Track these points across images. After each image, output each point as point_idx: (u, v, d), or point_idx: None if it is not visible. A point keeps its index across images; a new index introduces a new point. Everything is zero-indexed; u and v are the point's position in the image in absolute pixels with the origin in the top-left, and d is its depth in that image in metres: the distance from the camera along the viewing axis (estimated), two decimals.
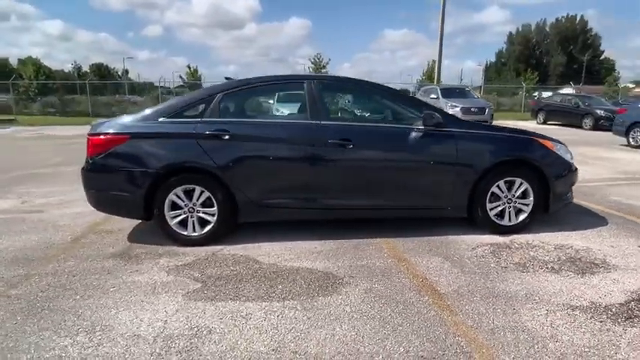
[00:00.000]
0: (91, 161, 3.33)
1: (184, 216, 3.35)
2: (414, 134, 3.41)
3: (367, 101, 3.94)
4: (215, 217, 3.35)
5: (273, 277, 2.77)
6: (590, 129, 14.89)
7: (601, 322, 2.15)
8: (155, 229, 3.46)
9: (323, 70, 29.40)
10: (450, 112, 11.72)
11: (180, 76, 32.94)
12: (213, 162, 3.25)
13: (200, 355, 1.90)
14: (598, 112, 15.19)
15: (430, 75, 34.08)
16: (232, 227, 3.48)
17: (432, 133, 3.40)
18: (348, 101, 3.93)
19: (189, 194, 3.34)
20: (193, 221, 3.37)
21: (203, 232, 3.38)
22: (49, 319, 2.24)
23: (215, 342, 2.01)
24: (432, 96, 15.66)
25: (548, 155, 3.56)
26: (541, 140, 3.63)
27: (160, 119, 3.36)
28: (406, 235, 3.52)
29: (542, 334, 2.05)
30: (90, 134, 3.38)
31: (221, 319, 2.23)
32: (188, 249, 3.30)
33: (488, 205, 3.54)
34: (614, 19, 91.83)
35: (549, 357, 1.85)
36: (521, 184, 3.52)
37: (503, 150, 3.49)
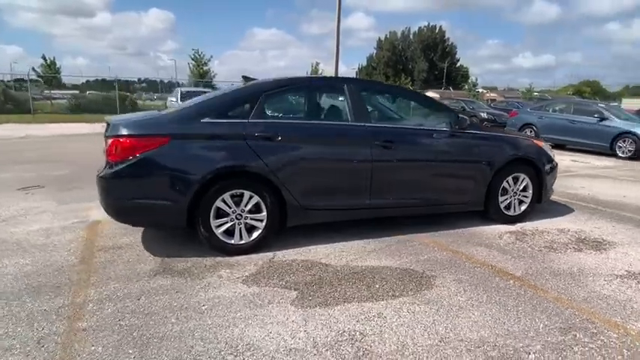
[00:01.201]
0: (118, 166, 2.94)
1: (231, 223, 3.19)
2: (445, 136, 3.80)
3: (399, 104, 4.22)
4: (264, 223, 3.26)
5: (358, 277, 2.85)
6: None
7: None
8: (164, 239, 3.32)
9: (205, 68, 28.78)
10: None
11: (34, 69, 28.84)
12: (265, 165, 3.16)
13: (379, 357, 1.95)
14: (482, 114, 17.84)
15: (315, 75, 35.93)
16: (275, 233, 3.40)
17: (459, 135, 3.83)
18: (382, 104, 4.14)
19: (236, 200, 3.19)
20: (241, 228, 3.23)
21: (251, 240, 3.26)
22: (172, 348, 2.01)
23: (380, 342, 2.06)
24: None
25: (541, 153, 4.28)
26: (535, 141, 4.36)
27: (204, 119, 3.13)
28: (434, 230, 3.87)
29: (620, 297, 2.59)
30: (114, 135, 2.99)
31: (358, 321, 2.27)
32: (238, 258, 3.15)
33: (500, 199, 4.12)
34: (463, 32, 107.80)
35: (629, 311, 2.37)
36: (523, 179, 4.18)
37: (512, 150, 4.10)
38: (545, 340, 2.10)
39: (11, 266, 2.96)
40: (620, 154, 10.08)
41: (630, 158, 9.79)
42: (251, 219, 3.23)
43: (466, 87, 45.49)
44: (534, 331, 2.18)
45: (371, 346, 2.02)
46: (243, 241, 3.23)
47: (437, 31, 59.67)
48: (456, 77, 58.62)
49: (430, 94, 29.90)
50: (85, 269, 2.93)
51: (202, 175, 3.02)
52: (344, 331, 2.16)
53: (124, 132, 2.97)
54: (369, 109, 3.71)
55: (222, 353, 1.96)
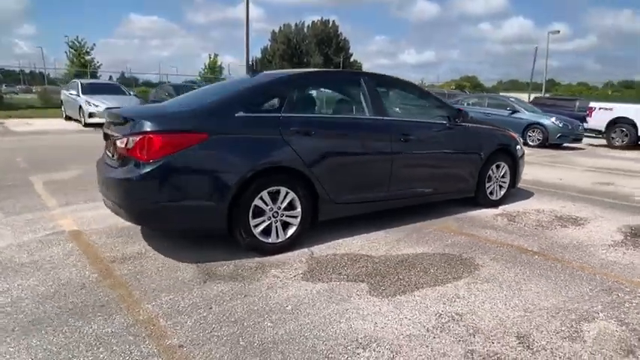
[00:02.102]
0: (152, 165, 2.71)
1: (268, 222, 3.13)
2: (449, 128, 4.16)
3: (406, 98, 4.44)
4: (298, 219, 3.25)
5: (408, 265, 3.02)
6: None
7: (635, 247, 3.43)
8: (176, 245, 3.20)
9: (88, 58, 26.62)
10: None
11: None
12: (301, 160, 3.17)
13: (489, 332, 2.15)
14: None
15: (213, 68, 34.85)
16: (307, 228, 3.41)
17: (459, 128, 4.22)
18: (391, 98, 4.33)
19: (272, 197, 3.14)
20: (277, 226, 3.19)
21: (287, 237, 3.24)
22: (297, 350, 1.96)
23: (479, 319, 2.25)
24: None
25: (515, 143, 4.90)
26: (510, 132, 4.97)
27: (238, 114, 3.02)
28: (435, 217, 4.20)
29: (624, 262, 3.16)
30: (145, 131, 2.73)
31: (443, 303, 2.44)
32: (278, 257, 3.11)
33: (486, 185, 4.63)
34: (352, 27, 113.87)
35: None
36: (503, 166, 4.75)
37: (497, 140, 4.63)
38: (600, 301, 2.52)
39: (17, 289, 2.54)
40: (530, 143, 11.73)
41: (539, 146, 11.46)
42: (286, 216, 3.20)
43: None
44: (587, 295, 2.58)
45: (475, 324, 2.22)
46: (279, 240, 3.19)
47: (330, 25, 61.18)
48: None
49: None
50: (115, 284, 2.64)
51: (243, 173, 2.91)
52: (440, 314, 2.32)
53: (159, 127, 2.72)
54: (385, 103, 3.88)
55: (349, 348, 1.98)
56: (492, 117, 12.58)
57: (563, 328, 2.19)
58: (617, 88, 70.39)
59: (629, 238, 3.74)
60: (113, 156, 3.09)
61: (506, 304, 2.44)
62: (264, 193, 3.05)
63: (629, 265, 3.10)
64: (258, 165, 2.97)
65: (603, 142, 12.62)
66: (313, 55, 59.30)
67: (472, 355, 1.95)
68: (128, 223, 3.67)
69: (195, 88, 17.14)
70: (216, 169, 2.87)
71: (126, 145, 2.80)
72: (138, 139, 2.72)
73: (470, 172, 4.37)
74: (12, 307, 2.33)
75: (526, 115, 12.21)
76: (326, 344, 2.01)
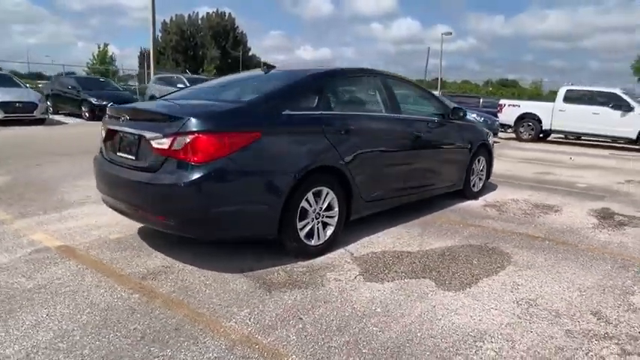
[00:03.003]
0: (204, 168, 2.49)
1: (311, 224, 3.07)
2: (446, 125, 4.44)
3: (410, 95, 4.57)
4: (335, 219, 3.24)
5: (453, 257, 3.17)
6: None
7: (613, 228, 4.03)
8: (198, 254, 2.98)
9: None
10: None
11: None
12: (342, 159, 3.16)
13: (566, 312, 2.39)
14: None
15: (103, 59, 32.53)
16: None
17: (453, 124, 4.54)
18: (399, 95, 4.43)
19: (315, 199, 3.09)
20: (318, 228, 3.14)
21: (326, 239, 3.21)
22: (427, 351, 1.99)
23: (554, 302, 2.49)
24: None
25: (488, 137, 5.40)
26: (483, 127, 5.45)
27: (284, 112, 2.90)
28: (434, 211, 4.45)
29: (616, 240, 3.71)
30: (193, 131, 2.48)
31: (512, 291, 2.64)
32: (321, 259, 3.07)
33: (471, 177, 5.04)
34: (246, 20, 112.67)
35: (632, 248, 3.48)
36: (482, 159, 5.21)
37: (480, 135, 5.06)
38: (625, 276, 2.94)
39: (53, 322, 2.16)
40: None
41: None
42: (326, 217, 3.16)
43: None
44: (613, 272, 3.00)
45: (551, 307, 2.44)
46: (320, 242, 3.14)
47: (226, 17, 59.98)
48: (250, 67, 60.78)
49: None
50: (169, 303, 2.38)
51: (295, 174, 2.82)
52: (517, 301, 2.51)
53: (213, 126, 2.50)
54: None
55: (469, 342, 2.06)
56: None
57: (618, 302, 2.53)
58: (496, 86, 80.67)
59: (602, 220, 4.38)
60: (138, 157, 2.73)
61: (560, 287, 2.72)
62: (310, 194, 2.97)
63: (620, 244, 3.65)
64: (310, 165, 2.89)
65: (512, 135, 14.34)
66: (209, 48, 57.26)
67: (572, 334, 2.16)
68: (118, 234, 3.31)
69: (103, 81, 15.30)
70: (270, 171, 2.72)
71: (171, 145, 2.49)
72: (189, 139, 2.45)
73: (462, 166, 4.71)
74: (65, 342, 1.96)
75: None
76: (446, 341, 2.06)
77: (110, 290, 2.50)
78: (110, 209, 3.21)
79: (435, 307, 2.41)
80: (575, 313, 2.38)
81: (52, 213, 3.97)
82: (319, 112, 3.09)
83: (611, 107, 12.43)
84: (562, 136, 14.66)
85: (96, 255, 3.03)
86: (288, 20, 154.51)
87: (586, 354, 1.99)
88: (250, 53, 62.81)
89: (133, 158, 2.77)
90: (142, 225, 3.50)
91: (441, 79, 47.13)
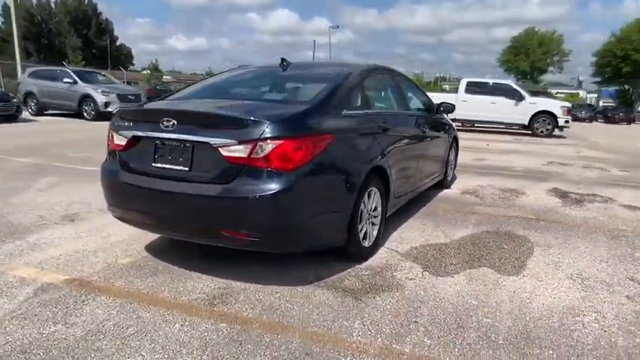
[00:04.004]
0: (292, 176, 2.37)
1: (366, 226, 3.11)
2: (436, 119, 4.78)
3: (408, 92, 4.72)
4: (379, 219, 3.31)
5: (483, 246, 3.48)
6: None
7: (576, 205, 4.77)
8: (224, 264, 2.89)
9: None
10: None
11: None
12: (386, 159, 3.24)
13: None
14: None
15: None
16: None
17: (439, 119, 4.91)
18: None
19: (368, 199, 3.13)
20: (369, 229, 3.19)
21: (374, 239, 3.27)
22: (557, 343, 2.20)
23: (612, 275, 2.92)
24: None
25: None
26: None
27: (343, 112, 2.88)
28: (426, 202, 4.79)
29: (590, 215, 4.41)
30: (279, 136, 2.33)
31: (574, 270, 3.02)
32: (372, 260, 3.12)
33: (448, 168, 5.50)
34: (107, 5, 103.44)
35: (606, 221, 4.20)
36: (453, 151, 5.71)
37: (452, 129, 5.53)
38: (623, 245, 3.55)
39: None
40: None
41: None
42: (372, 217, 3.21)
43: (144, 69, 44.72)
44: (612, 243, 3.59)
45: (602, 280, 2.86)
46: (370, 243, 3.17)
47: (86, 2, 54.17)
48: (119, 58, 55.63)
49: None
50: (273, 327, 2.23)
51: (361, 176, 2.83)
52: (571, 277, 2.87)
53: (298, 131, 2.38)
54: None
55: (570, 320, 2.32)
56: None
57: (638, 268, 3.06)
58: None
59: (563, 199, 5.15)
60: (195, 168, 2.44)
61: (587, 260, 3.19)
62: (366, 196, 2.98)
63: (594, 218, 4.36)
64: (369, 166, 2.90)
65: None
66: (68, 37, 51.16)
67: (633, 298, 2.58)
68: (128, 258, 2.99)
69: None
70: (343, 175, 2.69)
71: (251, 153, 2.28)
72: (273, 145, 2.27)
73: (444, 158, 5.12)
74: None
75: None
76: (553, 320, 2.30)
77: (186, 323, 2.22)
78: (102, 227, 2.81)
79: (514, 292, 2.64)
80: (618, 281, 2.82)
81: (13, 242, 3.31)
82: (365, 111, 3.11)
83: (506, 97, 14.37)
84: (459, 124, 16.47)
85: (126, 285, 2.64)
86: (156, 7, 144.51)
87: None
88: (118, 43, 57.65)
89: (187, 169, 2.46)
90: (147, 244, 3.23)
91: None
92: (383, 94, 4.03)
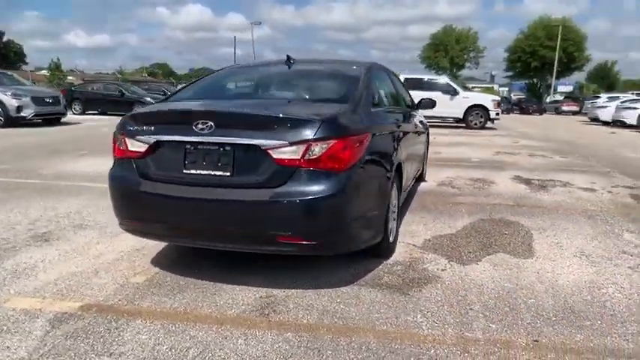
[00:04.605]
0: (345, 176, 2.40)
1: (391, 222, 3.21)
2: (417, 114, 5.02)
3: (398, 89, 4.82)
4: (396, 214, 3.44)
5: (496, 233, 3.74)
6: None
7: (543, 191, 5.28)
8: (242, 274, 2.91)
9: None
10: None
11: None
12: (400, 155, 3.36)
13: None
14: (148, 99, 18.10)
15: None
16: None
17: (417, 113, 5.16)
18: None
19: None
20: (392, 225, 3.29)
21: (394, 234, 3.37)
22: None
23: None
24: None
25: None
26: None
27: (373, 110, 2.97)
28: (413, 196, 5.02)
29: (560, 198, 4.92)
30: (331, 136, 2.34)
31: (605, 250, 3.36)
32: (398, 254, 3.24)
33: (425, 162, 5.81)
34: None
35: (575, 203, 4.72)
36: (427, 145, 6.03)
37: (426, 125, 5.83)
38: (602, 223, 4.02)
39: None
40: None
41: None
42: (392, 212, 3.32)
43: (40, 69, 41.35)
44: (593, 223, 4.05)
45: (599, 254, 3.23)
46: (393, 238, 3.27)
47: None
48: (8, 55, 52.07)
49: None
50: (342, 331, 2.25)
51: (392, 172, 2.94)
52: (577, 255, 3.20)
53: (347, 131, 2.41)
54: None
55: (598, 293, 2.61)
56: None
57: (624, 241, 3.50)
58: None
59: (528, 186, 5.68)
60: (238, 172, 2.35)
61: (581, 240, 3.57)
62: (392, 192, 3.09)
63: (563, 201, 4.88)
64: (395, 162, 3.00)
65: None
66: None
67: (635, 268, 2.96)
68: (140, 276, 2.83)
69: None
70: (381, 172, 2.76)
71: (304, 154, 2.26)
72: (327, 145, 2.27)
73: (425, 153, 5.39)
74: None
75: None
76: (584, 295, 2.57)
77: (249, 337, 2.15)
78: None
79: (538, 273, 2.90)
80: (616, 255, 3.21)
81: None
82: (384, 108, 3.20)
83: (442, 92, 15.33)
84: None
85: (155, 305, 2.48)
86: (47, 1, 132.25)
87: None
88: (5, 39, 52.26)
89: (228, 174, 2.36)
90: (150, 259, 3.07)
91: None
92: (385, 91, 4.15)
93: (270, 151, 2.26)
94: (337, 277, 2.79)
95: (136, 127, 2.51)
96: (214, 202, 2.33)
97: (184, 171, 2.41)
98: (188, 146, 2.40)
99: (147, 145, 2.46)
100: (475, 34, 53.88)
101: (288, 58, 3.43)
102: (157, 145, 2.45)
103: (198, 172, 2.39)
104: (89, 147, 8.63)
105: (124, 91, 18.25)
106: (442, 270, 2.93)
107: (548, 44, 43.10)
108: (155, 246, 3.28)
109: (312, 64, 3.75)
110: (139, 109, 2.79)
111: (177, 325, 2.25)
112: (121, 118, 2.79)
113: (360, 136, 2.46)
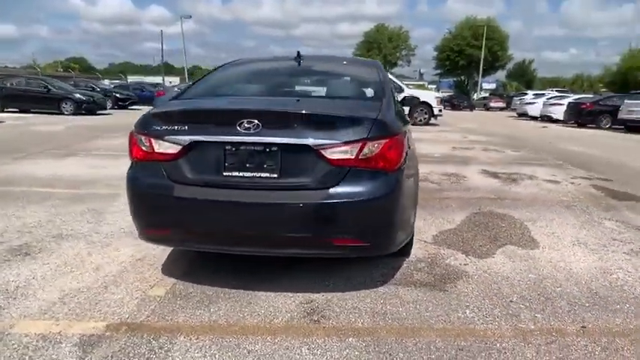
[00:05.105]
0: (399, 176, 2.40)
1: None
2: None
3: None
4: None
5: (485, 226, 3.97)
6: (71, 114, 16.15)
7: (514, 183, 5.67)
8: (265, 280, 2.86)
9: None
10: None
11: None
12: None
13: None
14: (77, 95, 17.05)
15: None
16: None
17: None
18: None
19: None
20: None
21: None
22: None
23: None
24: None
25: None
26: None
27: (397, 108, 3.03)
28: None
29: (532, 190, 5.30)
30: (385, 135, 2.33)
31: (576, 233, 3.64)
32: (415, 251, 3.32)
33: None
34: None
35: (548, 195, 5.13)
36: None
37: None
38: (582, 212, 4.40)
39: None
40: None
41: None
42: None
43: None
44: (573, 212, 4.42)
45: (595, 242, 3.54)
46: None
47: None
48: None
49: None
50: (399, 331, 2.27)
51: (418, 170, 3.00)
52: (576, 243, 3.47)
53: (396, 129, 2.41)
54: None
55: (611, 278, 2.86)
56: None
57: (608, 227, 3.86)
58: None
59: (498, 179, 6.05)
60: (287, 173, 2.26)
61: (573, 228, 3.88)
62: None
63: (540, 192, 5.26)
64: (417, 161, 3.06)
65: None
66: None
67: (632, 253, 3.28)
68: (157, 288, 2.64)
69: None
70: (414, 171, 2.81)
71: (358, 153, 2.23)
72: (381, 144, 2.26)
73: None
74: None
75: None
76: (600, 280, 2.80)
77: (312, 346, 2.10)
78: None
79: (551, 262, 3.11)
80: (608, 243, 3.53)
81: None
82: (400, 106, 3.23)
83: None
84: None
85: (192, 319, 2.33)
86: None
87: None
88: None
89: (275, 176, 2.26)
90: (160, 269, 2.90)
91: (193, 66, 47.02)
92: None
93: (322, 151, 2.20)
94: (368, 278, 2.79)
95: (164, 127, 2.32)
96: (261, 205, 2.22)
97: (224, 173, 2.27)
98: (228, 147, 2.26)
99: (180, 147, 2.28)
100: (406, 32, 56.08)
101: (299, 54, 3.35)
102: (192, 146, 2.28)
103: (241, 174, 2.26)
104: (25, 148, 7.84)
105: (49, 86, 16.74)
106: (464, 265, 3.03)
107: (475, 43, 46.03)
108: (157, 255, 3.09)
109: (324, 60, 3.69)
110: (163, 108, 2.56)
111: (227, 340, 2.12)
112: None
113: (402, 134, 2.47)
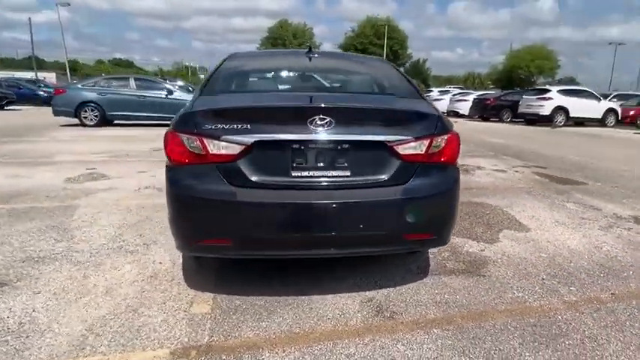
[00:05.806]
0: (457, 170, 2.57)
1: None
2: None
3: None
4: None
5: (476, 215, 4.35)
6: None
7: (473, 174, 6.21)
8: (300, 282, 3.14)
9: None
10: None
11: None
12: None
13: None
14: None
15: None
16: None
17: None
18: None
19: None
20: None
21: None
22: None
23: None
24: None
25: None
26: None
27: None
28: None
29: (497, 181, 5.87)
30: (445, 131, 2.45)
31: (580, 214, 4.12)
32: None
33: None
34: None
35: (532, 188, 5.74)
36: None
37: None
38: (569, 204, 5.01)
39: None
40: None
41: None
42: None
43: None
44: (529, 197, 5.01)
45: (592, 235, 4.09)
46: None
47: None
48: None
49: None
50: (468, 317, 2.45)
51: None
52: (570, 226, 3.92)
53: (451, 124, 2.55)
54: None
55: (605, 253, 3.35)
56: (149, 100, 12.98)
57: (602, 217, 4.46)
58: (109, 66, 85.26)
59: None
60: (359, 171, 2.29)
61: (546, 212, 4.41)
62: None
63: (496, 181, 5.83)
64: None
65: None
66: None
67: (624, 238, 3.84)
68: (202, 305, 2.48)
69: None
70: None
71: (428, 149, 2.34)
72: (446, 139, 2.39)
73: None
74: None
75: (186, 96, 13.45)
76: (602, 255, 3.26)
77: (405, 343, 2.16)
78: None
79: (549, 241, 3.52)
80: (580, 222, 4.08)
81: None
82: None
83: None
84: None
85: (262, 333, 2.25)
86: None
87: None
88: None
89: (348, 174, 2.26)
90: (183, 284, 2.79)
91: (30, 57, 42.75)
92: None
93: (396, 147, 2.26)
94: (408, 271, 2.91)
95: (220, 126, 2.18)
96: (335, 205, 2.21)
97: (292, 173, 2.22)
98: (296, 145, 2.20)
99: (241, 147, 2.17)
100: (311, 29, 57.32)
101: (310, 48, 3.34)
102: (255, 145, 2.18)
103: (311, 173, 2.23)
104: None
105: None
106: (482, 250, 3.30)
107: (377, 42, 48.71)
108: (169, 270, 2.89)
109: (339, 57, 3.69)
110: (213, 105, 2.37)
111: (314, 348, 2.09)
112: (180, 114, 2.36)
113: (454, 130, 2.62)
